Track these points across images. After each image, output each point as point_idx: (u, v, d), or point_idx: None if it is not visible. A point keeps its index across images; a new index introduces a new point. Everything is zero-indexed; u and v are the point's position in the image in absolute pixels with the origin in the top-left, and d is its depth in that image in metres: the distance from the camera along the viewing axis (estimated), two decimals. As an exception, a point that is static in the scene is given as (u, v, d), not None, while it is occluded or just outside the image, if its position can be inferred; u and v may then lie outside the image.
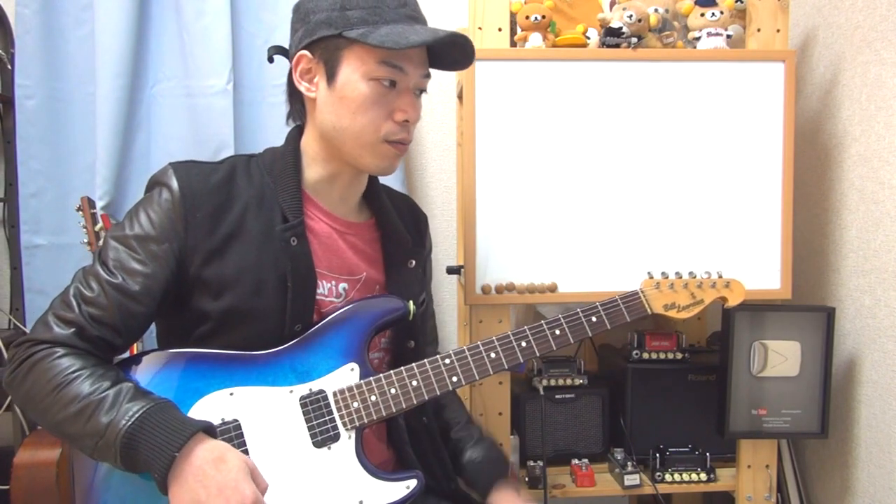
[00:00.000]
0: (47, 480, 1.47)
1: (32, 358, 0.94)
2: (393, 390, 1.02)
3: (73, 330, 0.95)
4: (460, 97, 1.67)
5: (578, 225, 1.48)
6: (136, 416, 0.88)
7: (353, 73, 1.01)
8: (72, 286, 0.99)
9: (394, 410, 1.02)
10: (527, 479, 1.56)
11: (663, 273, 1.19)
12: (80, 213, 1.59)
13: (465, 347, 1.07)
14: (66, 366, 0.92)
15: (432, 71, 1.10)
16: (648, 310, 1.15)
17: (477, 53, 1.43)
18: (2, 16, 1.83)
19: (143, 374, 0.99)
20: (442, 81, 2.01)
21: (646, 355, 1.62)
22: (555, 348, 1.10)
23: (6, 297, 1.90)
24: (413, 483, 1.01)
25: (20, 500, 1.47)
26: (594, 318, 1.12)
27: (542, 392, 1.58)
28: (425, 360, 1.05)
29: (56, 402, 0.90)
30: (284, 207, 1.03)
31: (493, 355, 1.07)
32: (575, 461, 1.60)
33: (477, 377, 1.06)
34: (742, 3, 1.49)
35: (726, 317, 1.48)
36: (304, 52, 1.04)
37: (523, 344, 1.08)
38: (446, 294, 2.04)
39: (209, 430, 0.92)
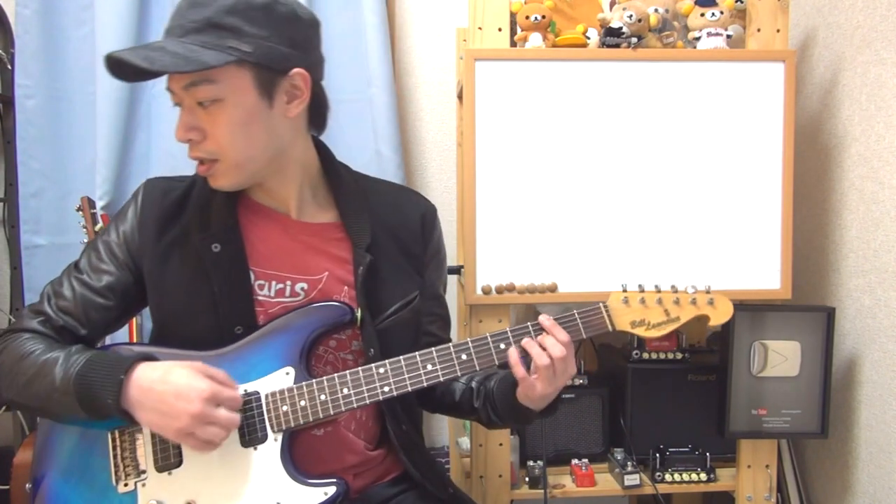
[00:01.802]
0: (47, 480, 1.47)
1: (4, 343, 1.05)
2: (322, 396, 1.02)
3: (41, 318, 1.06)
4: (460, 97, 1.67)
5: (578, 225, 1.48)
6: (82, 361, 0.98)
7: None
8: (48, 286, 1.10)
9: (321, 417, 1.02)
10: (527, 479, 1.56)
11: (640, 285, 1.07)
12: (80, 213, 1.59)
13: (401, 357, 1.04)
14: (31, 344, 1.03)
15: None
16: (610, 326, 1.06)
17: (477, 53, 1.45)
18: (2, 16, 1.83)
19: None
20: (442, 81, 2.02)
21: (646, 355, 1.62)
22: (496, 363, 1.04)
23: (6, 297, 1.90)
24: (331, 490, 1.01)
25: (20, 500, 1.48)
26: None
27: (542, 392, 1.58)
28: (359, 369, 1.04)
29: (20, 371, 1.00)
30: (214, 217, 1.09)
31: (429, 367, 1.04)
32: (575, 461, 1.60)
33: (409, 388, 1.03)
34: (742, 3, 1.49)
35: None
36: None
37: (463, 357, 1.04)
38: (446, 294, 2.04)
39: (148, 357, 1.00)
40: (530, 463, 1.57)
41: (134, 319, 1.65)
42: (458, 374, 1.04)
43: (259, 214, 1.11)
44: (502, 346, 1.04)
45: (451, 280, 2.00)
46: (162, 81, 1.02)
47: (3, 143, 1.88)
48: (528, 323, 1.05)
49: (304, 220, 1.12)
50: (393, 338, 1.12)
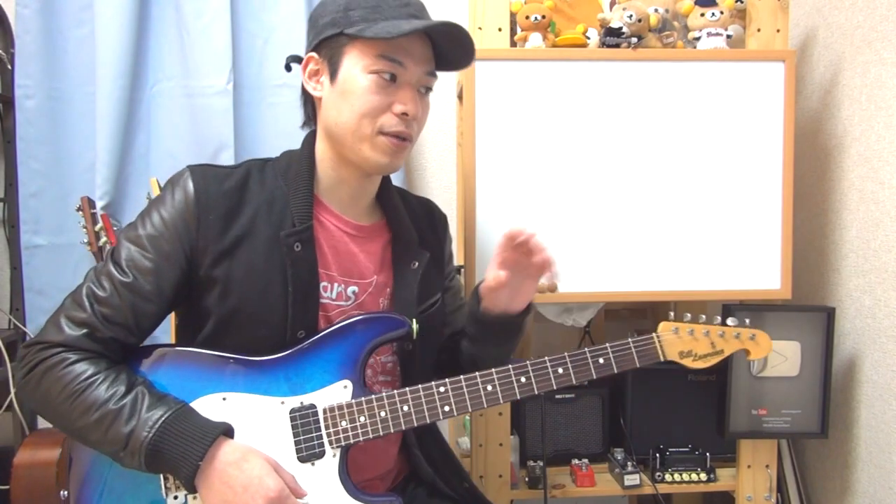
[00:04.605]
0: (47, 480, 1.47)
1: (45, 363, 0.95)
2: (383, 413, 1.00)
3: (84, 331, 0.96)
4: (460, 97, 1.67)
5: (578, 225, 1.48)
6: (157, 426, 0.91)
7: (354, 67, 1.02)
8: (84, 286, 0.99)
9: (381, 434, 1.00)
10: (527, 479, 1.56)
11: (685, 317, 1.11)
12: (80, 213, 1.59)
13: (461, 377, 1.03)
14: (80, 372, 0.94)
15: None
16: (661, 356, 1.08)
17: (477, 53, 1.44)
18: (2, 16, 1.83)
19: (143, 371, 1.00)
20: (442, 81, 2.01)
21: (646, 355, 1.62)
22: (555, 387, 1.05)
23: (6, 297, 1.90)
24: None
25: (20, 500, 1.47)
26: (601, 360, 1.06)
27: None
28: (419, 386, 1.02)
29: (74, 410, 0.93)
30: (294, 212, 1.04)
31: (489, 388, 1.03)
32: (575, 461, 1.60)
33: (470, 409, 1.02)
34: (742, 3, 1.49)
35: (726, 317, 1.48)
36: (312, 53, 1.07)
37: (522, 380, 1.04)
38: (446, 294, 2.04)
39: (228, 432, 0.96)
40: (530, 463, 1.57)
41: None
42: (518, 396, 1.04)
43: (326, 213, 1.09)
44: (560, 370, 1.05)
45: (451, 280, 2.01)
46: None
47: (3, 143, 1.88)
48: (586, 349, 1.07)
49: (359, 223, 1.12)
50: (422, 332, 1.12)
